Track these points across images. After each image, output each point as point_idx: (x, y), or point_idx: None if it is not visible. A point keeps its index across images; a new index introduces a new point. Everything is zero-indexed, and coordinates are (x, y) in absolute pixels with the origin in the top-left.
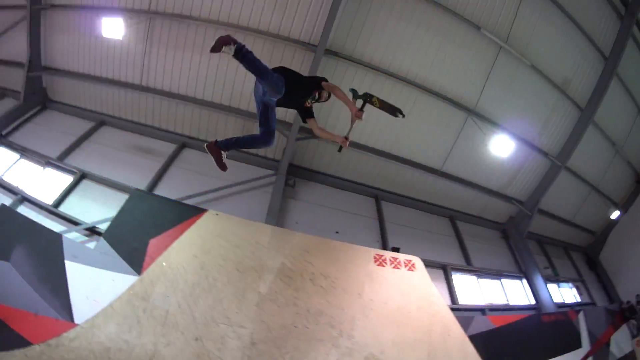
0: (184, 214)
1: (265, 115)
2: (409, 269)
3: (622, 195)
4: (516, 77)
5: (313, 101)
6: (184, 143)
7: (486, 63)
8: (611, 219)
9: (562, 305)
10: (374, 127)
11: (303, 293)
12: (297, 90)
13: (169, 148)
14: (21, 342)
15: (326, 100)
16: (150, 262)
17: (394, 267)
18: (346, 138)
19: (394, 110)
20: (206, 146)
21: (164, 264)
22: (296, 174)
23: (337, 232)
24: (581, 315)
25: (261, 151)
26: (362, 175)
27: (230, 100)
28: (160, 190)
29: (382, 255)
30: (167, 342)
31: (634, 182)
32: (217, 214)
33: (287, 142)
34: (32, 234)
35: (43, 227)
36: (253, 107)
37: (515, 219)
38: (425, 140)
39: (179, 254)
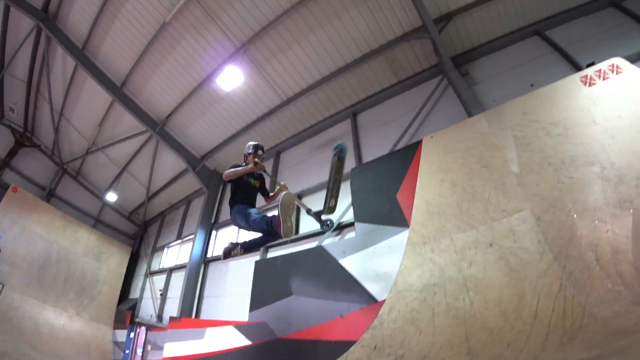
0: (406, 156)
1: (253, 225)
2: (616, 74)
3: None
4: None
5: (255, 181)
6: (353, 112)
7: None
8: None
9: None
10: None
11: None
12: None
13: (344, 126)
14: (344, 346)
15: (262, 169)
16: (409, 211)
17: (603, 80)
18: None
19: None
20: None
21: (423, 204)
22: (462, 62)
23: (531, 85)
24: None
25: (417, 69)
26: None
27: (359, 48)
28: (367, 157)
29: (585, 75)
30: (469, 263)
31: None
32: (431, 137)
33: (432, 42)
34: (298, 262)
35: (304, 251)
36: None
37: None
38: None
39: (427, 188)
